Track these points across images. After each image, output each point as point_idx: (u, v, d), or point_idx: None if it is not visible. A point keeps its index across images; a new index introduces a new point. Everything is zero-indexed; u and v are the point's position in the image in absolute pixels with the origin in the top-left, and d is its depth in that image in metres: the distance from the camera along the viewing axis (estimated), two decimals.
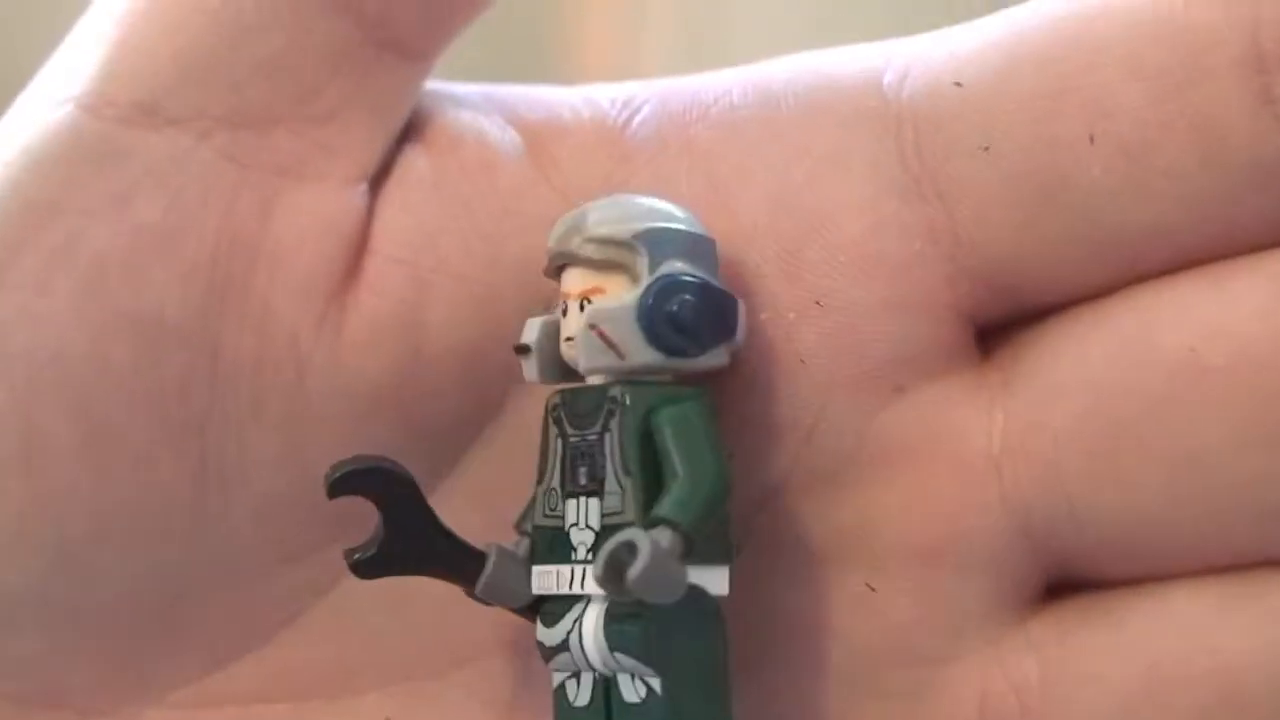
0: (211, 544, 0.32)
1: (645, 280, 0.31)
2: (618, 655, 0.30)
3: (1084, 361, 0.31)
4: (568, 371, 0.32)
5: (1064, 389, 0.31)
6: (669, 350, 0.31)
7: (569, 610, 0.31)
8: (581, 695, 0.32)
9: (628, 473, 0.30)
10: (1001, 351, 0.32)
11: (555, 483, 0.32)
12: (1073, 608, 0.32)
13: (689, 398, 0.31)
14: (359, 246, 0.32)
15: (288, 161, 0.31)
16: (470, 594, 0.32)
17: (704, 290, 0.31)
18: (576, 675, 0.32)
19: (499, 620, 0.33)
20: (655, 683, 0.30)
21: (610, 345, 0.31)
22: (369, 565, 0.32)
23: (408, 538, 0.32)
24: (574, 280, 0.31)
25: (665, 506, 0.30)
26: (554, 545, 0.32)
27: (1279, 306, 0.29)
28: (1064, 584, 0.32)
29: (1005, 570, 0.32)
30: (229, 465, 0.31)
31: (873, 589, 0.32)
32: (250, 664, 0.33)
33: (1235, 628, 0.30)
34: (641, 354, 0.31)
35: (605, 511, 0.31)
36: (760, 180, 0.32)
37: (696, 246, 0.31)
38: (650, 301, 0.31)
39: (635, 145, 0.33)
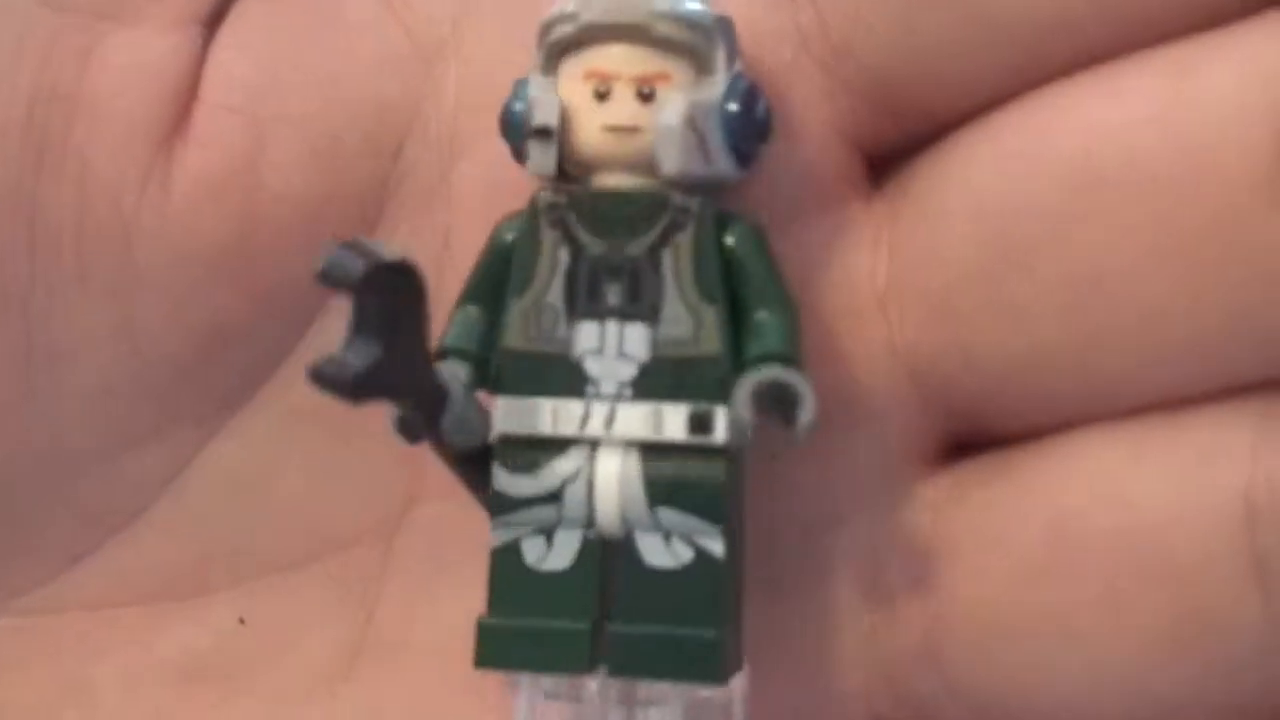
0: (44, 431, 0.29)
1: (722, 75, 0.26)
2: (662, 510, 0.26)
3: (971, 180, 0.28)
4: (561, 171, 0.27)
5: (951, 213, 0.28)
6: (742, 159, 0.27)
7: (564, 454, 0.26)
8: (556, 557, 0.26)
9: (708, 298, 0.26)
10: (893, 181, 0.29)
11: (555, 299, 0.26)
12: (975, 465, 0.29)
13: (747, 218, 0.27)
14: (187, 94, 0.29)
15: (107, 4, 0.29)
16: (419, 433, 0.26)
17: (762, 95, 0.27)
18: (546, 533, 0.26)
19: (358, 504, 0.30)
20: (712, 543, 0.26)
21: (704, 147, 0.26)
22: (361, 384, 0.24)
23: (405, 352, 0.25)
24: (625, 59, 0.26)
25: (785, 342, 0.26)
26: (546, 374, 0.26)
27: (1175, 108, 0.26)
28: (973, 441, 0.29)
29: (896, 424, 0.29)
30: (57, 341, 0.29)
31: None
32: (98, 564, 0.30)
33: (1148, 477, 0.27)
34: (721, 160, 0.26)
35: (663, 340, 0.26)
36: None
37: (734, 38, 0.27)
38: (739, 102, 0.26)
39: None
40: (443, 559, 0.30)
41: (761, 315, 0.26)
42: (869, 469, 0.29)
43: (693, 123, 0.26)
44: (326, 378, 0.24)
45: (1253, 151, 0.25)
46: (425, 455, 0.27)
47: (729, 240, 0.26)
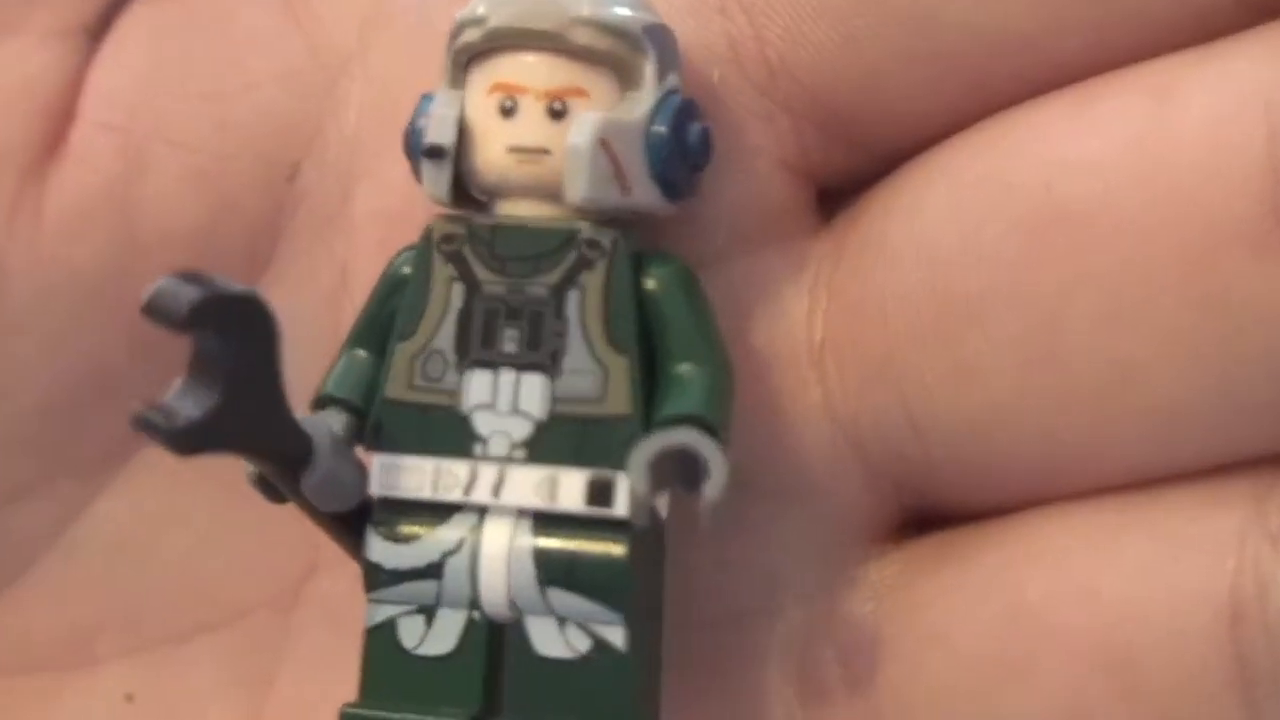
0: None
1: (649, 92, 0.23)
2: (554, 592, 0.22)
3: (921, 219, 0.24)
4: (462, 196, 0.23)
5: (897, 256, 0.24)
6: (669, 190, 0.23)
7: (446, 522, 0.23)
8: (436, 640, 0.23)
9: (618, 348, 0.22)
10: (841, 216, 0.26)
11: (444, 344, 0.23)
12: (926, 546, 0.25)
13: (673, 258, 0.23)
14: (65, 111, 0.26)
15: None
16: (282, 492, 0.23)
17: (708, 126, 0.23)
18: (426, 612, 0.23)
19: (255, 571, 0.27)
20: (612, 632, 0.22)
21: (619, 173, 0.22)
22: (195, 434, 0.21)
23: (253, 399, 0.21)
24: (536, 71, 0.23)
25: (702, 402, 0.22)
26: (430, 429, 0.23)
27: (1151, 138, 0.23)
28: (927, 517, 0.26)
29: (836, 498, 0.25)
30: None
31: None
32: None
33: (1119, 567, 0.23)
34: (643, 190, 0.23)
35: (563, 396, 0.22)
36: None
37: (680, 61, 0.24)
38: (669, 125, 0.23)
39: None
40: (345, 632, 0.26)
41: (681, 370, 0.22)
42: (805, 549, 0.25)
43: (606, 145, 0.22)
44: (152, 427, 0.21)
45: (1239, 189, 0.22)
46: None
47: (649, 283, 0.23)
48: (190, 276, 0.21)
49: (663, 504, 0.23)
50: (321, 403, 0.23)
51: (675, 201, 0.23)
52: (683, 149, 0.23)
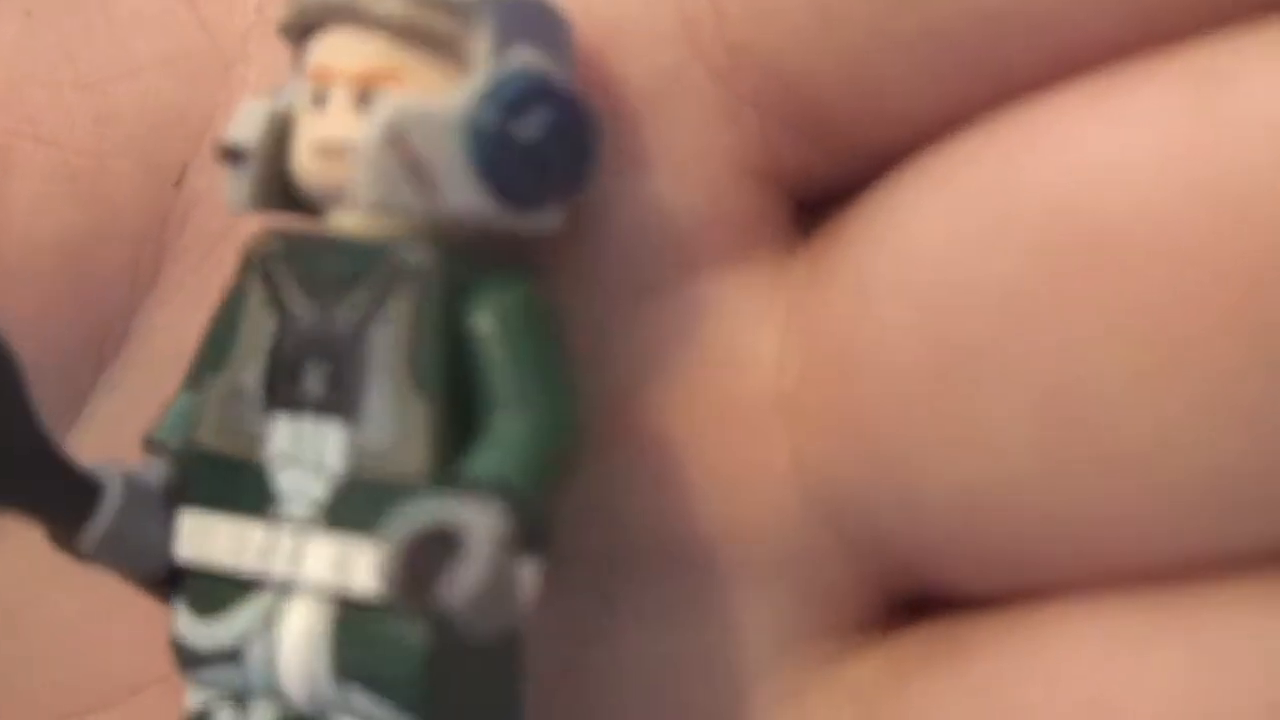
0: None
1: (482, 73, 0.18)
2: (352, 690, 0.18)
3: (910, 242, 0.19)
4: (290, 202, 0.19)
5: (882, 289, 0.20)
6: (506, 195, 0.18)
7: (249, 595, 0.19)
8: None
9: (420, 389, 0.18)
10: (821, 233, 0.21)
11: (250, 380, 0.19)
12: (918, 641, 0.21)
13: (519, 281, 0.19)
14: None
15: None
16: (67, 547, 0.19)
17: (571, 105, 0.19)
18: (240, 701, 0.19)
19: (144, 643, 0.22)
20: None
21: (418, 172, 0.18)
22: None
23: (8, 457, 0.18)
24: (348, 51, 0.19)
25: (501, 461, 0.18)
26: (234, 483, 0.19)
27: (1199, 139, 0.18)
28: (923, 601, 0.21)
29: (806, 580, 0.20)
30: None
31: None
32: None
33: (1143, 678, 0.19)
34: (461, 193, 0.18)
35: (360, 447, 0.18)
36: None
37: (554, 30, 0.19)
38: (493, 112, 0.18)
39: None
40: None
41: (497, 422, 0.18)
42: (769, 641, 0.20)
43: (402, 137, 0.18)
44: None
45: None
46: None
47: (476, 313, 0.18)
48: None
49: (523, 579, 0.18)
50: (150, 448, 0.20)
51: (524, 209, 0.19)
52: (514, 146, 0.18)
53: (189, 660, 0.19)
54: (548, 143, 0.18)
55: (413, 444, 0.18)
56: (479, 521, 0.17)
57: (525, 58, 0.18)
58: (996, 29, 0.19)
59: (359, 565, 0.18)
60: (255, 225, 0.21)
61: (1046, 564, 0.19)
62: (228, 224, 0.22)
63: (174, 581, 0.20)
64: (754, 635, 0.20)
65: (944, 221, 0.19)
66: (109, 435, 0.22)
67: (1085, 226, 0.18)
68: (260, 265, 0.19)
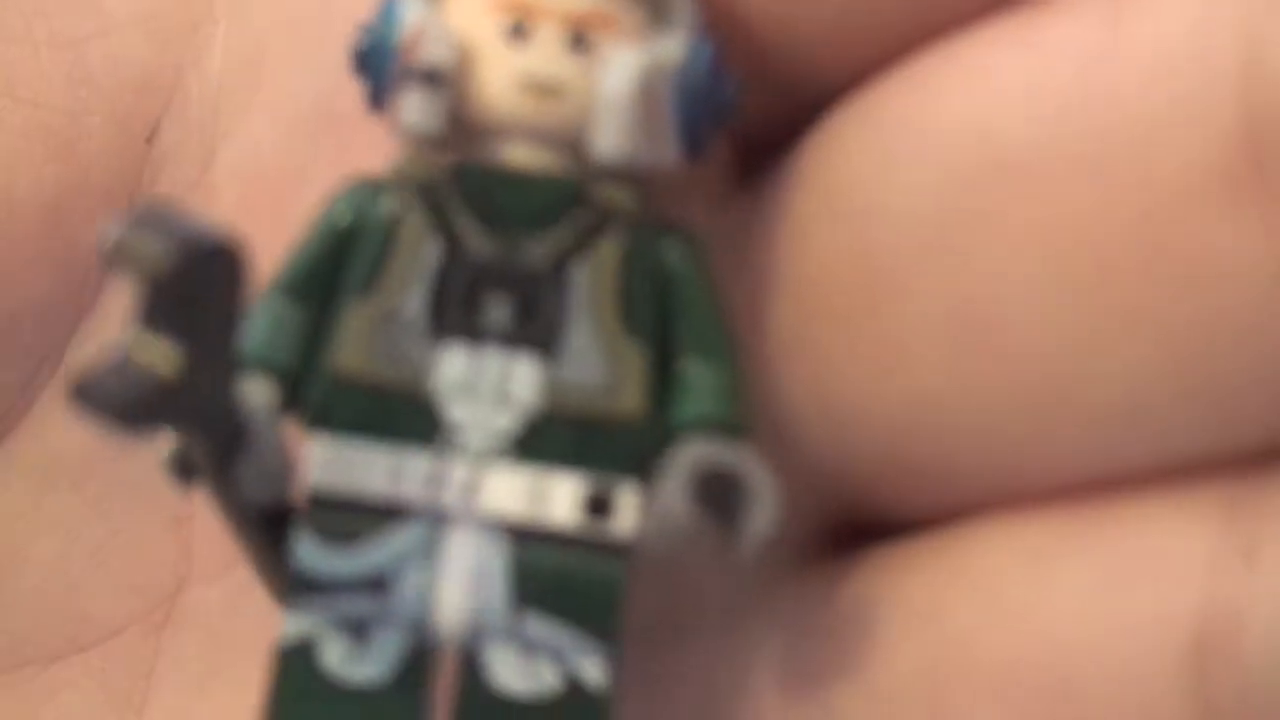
0: None
1: (684, 30, 0.19)
2: (530, 615, 0.19)
3: (835, 174, 0.20)
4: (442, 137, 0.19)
5: (810, 219, 0.21)
6: (697, 148, 0.19)
7: (401, 525, 0.19)
8: (368, 664, 0.19)
9: (635, 334, 0.19)
10: (760, 173, 0.22)
11: (413, 309, 0.19)
12: (854, 564, 0.22)
13: (688, 230, 0.20)
14: None
15: None
16: (195, 475, 0.18)
17: (739, 80, 0.20)
18: (357, 630, 0.19)
19: (121, 585, 0.23)
20: (589, 668, 0.19)
21: (656, 126, 0.19)
22: (149, 403, 0.16)
23: (212, 365, 0.17)
24: None
25: (720, 403, 0.19)
26: (390, 411, 0.19)
27: (1103, 64, 0.19)
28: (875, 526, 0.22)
29: None
30: None
31: None
32: None
33: (1064, 592, 0.20)
34: (670, 147, 0.19)
35: (562, 385, 0.19)
36: None
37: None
38: (705, 70, 0.19)
39: None
40: (219, 656, 0.22)
41: (694, 365, 0.19)
42: (713, 564, 0.21)
43: (650, 94, 0.18)
44: (96, 397, 0.16)
45: (1208, 128, 0.18)
46: (197, 527, 0.19)
47: (668, 256, 0.19)
48: (153, 216, 0.16)
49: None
50: (249, 365, 0.19)
51: (693, 161, 0.20)
52: (718, 102, 0.19)
53: (309, 586, 0.19)
54: (732, 104, 0.19)
55: (625, 384, 0.19)
56: (757, 471, 0.18)
57: (702, 18, 0.19)
58: None
59: (558, 496, 0.19)
60: (221, 181, 0.21)
61: (968, 483, 0.21)
62: (194, 180, 0.22)
63: (279, 517, 0.19)
64: (692, 561, 0.21)
65: (868, 151, 0.20)
66: None
67: (996, 150, 0.19)
68: (420, 193, 0.19)
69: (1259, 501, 0.19)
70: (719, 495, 0.18)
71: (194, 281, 0.16)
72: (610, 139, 0.18)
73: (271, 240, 0.19)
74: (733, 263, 0.21)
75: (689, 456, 0.18)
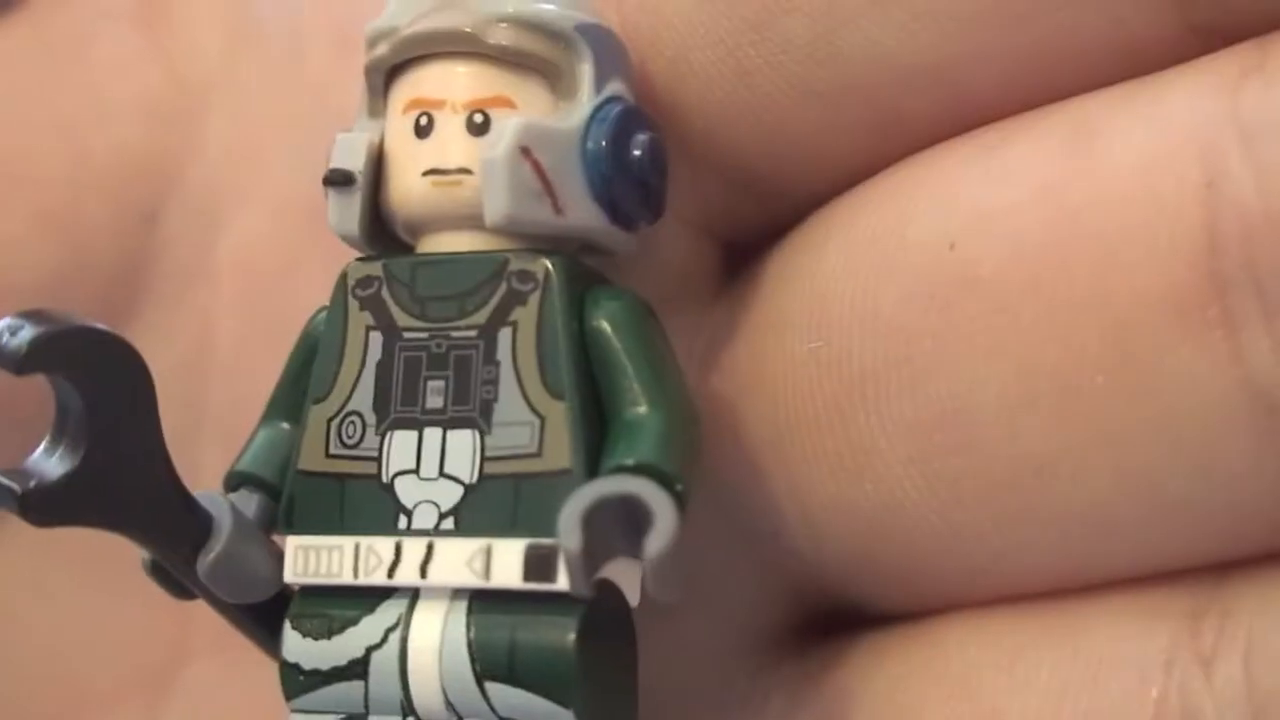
0: None
1: (589, 100, 0.20)
2: (492, 687, 0.19)
3: (812, 282, 0.21)
4: (380, 235, 0.20)
5: (787, 322, 0.21)
6: (618, 212, 0.20)
7: (372, 612, 0.19)
8: None
9: (554, 393, 0.19)
10: (742, 277, 0.22)
11: (362, 404, 0.19)
12: (827, 655, 0.22)
13: (625, 292, 0.20)
14: None
15: None
16: (176, 581, 0.19)
17: (658, 133, 0.20)
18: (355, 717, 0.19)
19: (119, 657, 0.24)
20: None
21: (547, 189, 0.19)
22: (50, 502, 0.18)
23: (123, 462, 0.18)
24: (455, 80, 0.20)
25: (653, 449, 0.19)
26: (348, 504, 0.19)
27: (1072, 182, 0.19)
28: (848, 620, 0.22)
29: (724, 597, 0.22)
30: None
31: None
32: None
33: (1026, 692, 0.20)
34: (581, 211, 0.19)
35: (495, 453, 0.19)
36: None
37: (628, 66, 0.20)
38: (608, 136, 0.19)
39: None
40: None
41: (630, 416, 0.19)
42: (690, 656, 0.22)
43: (528, 154, 0.19)
44: (2, 494, 0.18)
45: (1170, 250, 0.18)
46: (197, 602, 0.20)
47: (594, 318, 0.19)
48: (34, 314, 0.18)
49: (631, 586, 0.19)
50: (234, 482, 0.20)
51: (629, 227, 0.20)
52: (623, 163, 0.19)
53: (304, 683, 0.19)
54: (647, 166, 0.20)
55: (553, 441, 0.19)
56: (660, 492, 0.18)
57: (618, 89, 0.20)
58: (898, 84, 0.20)
59: (501, 560, 0.19)
60: (223, 266, 0.22)
61: (938, 585, 0.21)
62: (195, 264, 0.23)
63: (271, 611, 0.20)
64: (675, 650, 0.21)
65: (841, 262, 0.20)
66: None
67: (965, 267, 0.19)
68: (359, 292, 0.20)
69: (1218, 611, 0.19)
70: (626, 533, 0.18)
71: (73, 379, 0.18)
72: (491, 201, 0.19)
73: (268, 333, 0.20)
74: (715, 361, 0.22)
75: (577, 496, 0.18)
